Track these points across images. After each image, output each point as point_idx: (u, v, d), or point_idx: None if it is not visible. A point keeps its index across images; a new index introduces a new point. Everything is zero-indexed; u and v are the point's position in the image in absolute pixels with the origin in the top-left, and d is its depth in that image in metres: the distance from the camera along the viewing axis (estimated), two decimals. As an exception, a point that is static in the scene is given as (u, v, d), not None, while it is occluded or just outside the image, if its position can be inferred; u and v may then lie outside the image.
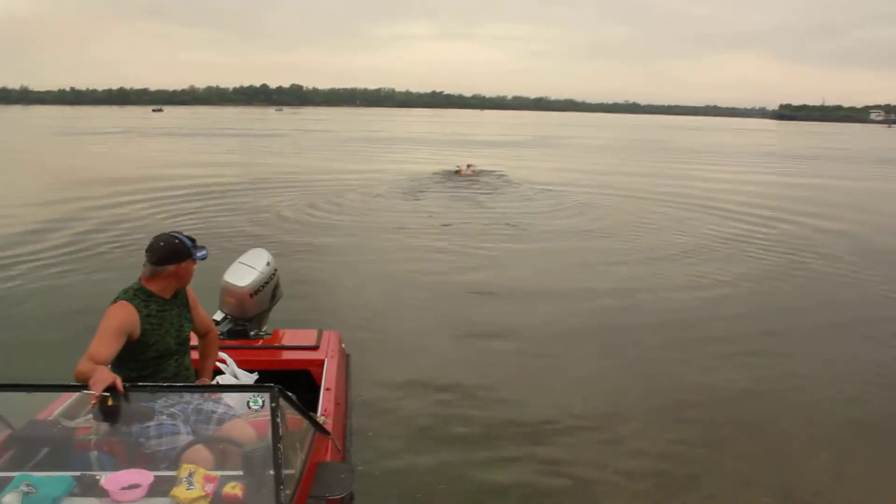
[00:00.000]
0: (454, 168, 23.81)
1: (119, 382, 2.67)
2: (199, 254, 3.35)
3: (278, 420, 2.66)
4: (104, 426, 2.80)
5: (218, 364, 3.93)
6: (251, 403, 2.90)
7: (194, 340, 3.61)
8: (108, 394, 2.63)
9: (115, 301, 3.18)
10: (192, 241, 3.35)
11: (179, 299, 3.40)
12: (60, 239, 11.64)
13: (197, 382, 3.48)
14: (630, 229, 13.78)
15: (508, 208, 16.41)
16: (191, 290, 3.50)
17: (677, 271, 10.28)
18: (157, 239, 3.29)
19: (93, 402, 2.63)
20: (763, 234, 13.58)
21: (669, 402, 5.75)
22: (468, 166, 23.82)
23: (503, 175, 23.41)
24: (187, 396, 3.15)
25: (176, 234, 3.32)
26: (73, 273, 9.49)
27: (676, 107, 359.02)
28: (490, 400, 5.71)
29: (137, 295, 3.22)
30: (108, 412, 2.67)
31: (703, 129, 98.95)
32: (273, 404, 2.71)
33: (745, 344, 7.17)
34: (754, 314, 8.28)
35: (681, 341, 7.23)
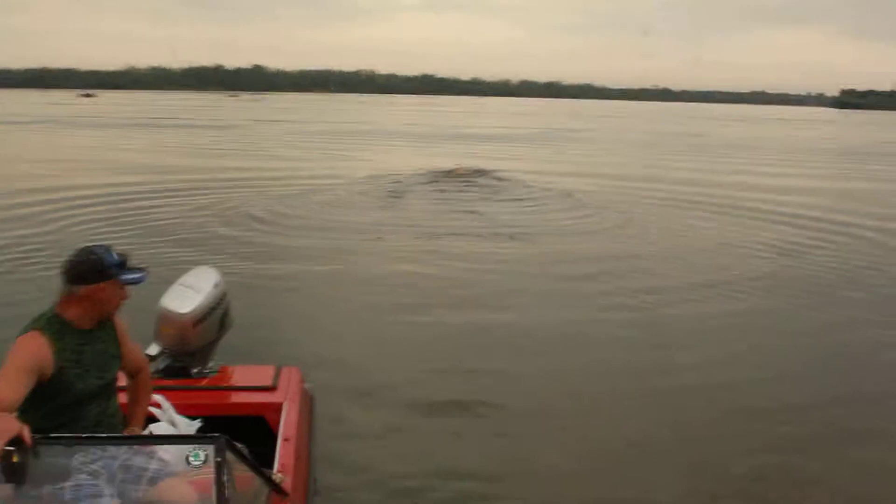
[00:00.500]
0: (450, 168, 24.03)
1: (27, 433, 2.63)
2: (125, 276, 3.27)
3: (224, 479, 2.64)
4: (7, 488, 2.75)
5: (151, 409, 3.91)
6: (191, 458, 2.86)
7: (123, 380, 3.59)
8: (12, 448, 2.59)
9: (23, 331, 3.15)
10: (122, 258, 3.30)
11: (105, 331, 3.38)
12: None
13: (125, 432, 3.46)
14: (662, 248, 13.70)
15: (511, 218, 16.47)
16: (119, 319, 3.48)
17: (719, 304, 10.04)
18: (74, 252, 3.28)
19: (-6, 459, 2.59)
20: (825, 251, 13.63)
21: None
22: (475, 171, 24.10)
23: (507, 176, 23.53)
24: (112, 450, 3.11)
25: (97, 248, 3.28)
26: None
27: (716, 93, 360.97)
28: (481, 458, 5.69)
29: (51, 324, 3.19)
30: (13, 470, 2.62)
31: (748, 120, 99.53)
32: (218, 459, 2.69)
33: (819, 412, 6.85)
34: (815, 362, 8.14)
35: (722, 399, 7.02)
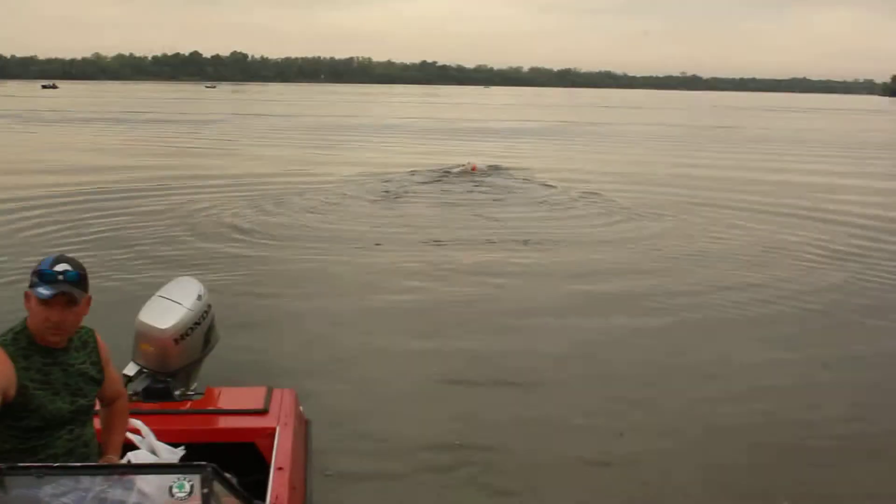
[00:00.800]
0: (462, 166, 24.45)
1: None
2: (37, 288, 3.16)
3: (212, 512, 2.62)
4: (-35, 525, 2.75)
5: (130, 436, 3.89)
6: (175, 489, 2.85)
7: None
8: None
9: None
10: (51, 272, 3.16)
11: (85, 352, 3.38)
12: None
13: (101, 462, 3.44)
14: (704, 254, 13.43)
15: (530, 224, 16.39)
16: (102, 341, 3.48)
17: (765, 315, 9.93)
18: None
19: (-47, 489, 2.58)
20: (884, 257, 13.53)
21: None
22: (488, 168, 24.65)
23: (524, 175, 23.75)
24: (86, 481, 3.08)
25: (51, 256, 3.27)
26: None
27: (751, 80, 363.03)
28: (498, 488, 5.69)
29: (17, 339, 3.19)
30: (-24, 505, 2.63)
31: (788, 110, 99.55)
32: (205, 490, 2.68)
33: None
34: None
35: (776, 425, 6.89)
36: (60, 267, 3.18)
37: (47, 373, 3.22)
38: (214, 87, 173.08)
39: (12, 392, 3.09)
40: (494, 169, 24.68)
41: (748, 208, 18.34)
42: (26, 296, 3.20)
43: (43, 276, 3.16)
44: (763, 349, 8.81)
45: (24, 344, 3.19)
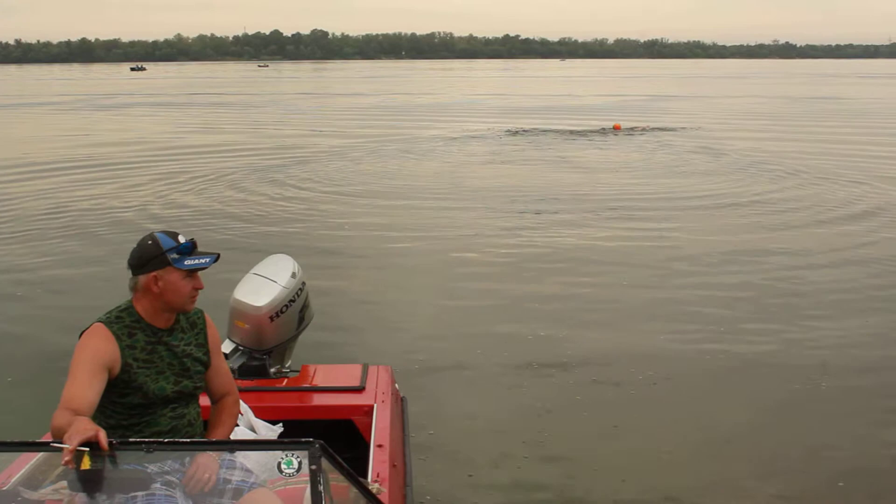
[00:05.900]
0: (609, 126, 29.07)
1: (103, 436, 2.61)
2: (186, 262, 3.22)
3: (321, 489, 2.60)
4: (79, 498, 2.77)
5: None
6: (283, 465, 2.86)
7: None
8: (86, 448, 2.59)
9: (89, 325, 3.20)
10: (188, 243, 3.24)
11: (194, 333, 3.39)
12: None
13: None
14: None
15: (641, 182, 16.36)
16: (213, 325, 3.48)
17: None
18: (139, 240, 3.30)
19: (65, 459, 2.56)
20: None
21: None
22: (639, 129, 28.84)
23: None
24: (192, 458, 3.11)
25: (158, 234, 3.28)
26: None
27: (847, 47, 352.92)
28: (606, 467, 5.61)
29: (121, 318, 3.23)
30: (86, 478, 2.62)
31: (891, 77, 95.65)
32: (313, 466, 2.64)
33: None
34: None
35: None
36: (184, 238, 3.25)
37: (151, 352, 3.23)
38: (267, 65, 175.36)
39: (117, 369, 3.12)
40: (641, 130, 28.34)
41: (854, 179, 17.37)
42: (155, 278, 3.19)
43: (183, 249, 3.21)
44: None
45: (128, 322, 3.22)
